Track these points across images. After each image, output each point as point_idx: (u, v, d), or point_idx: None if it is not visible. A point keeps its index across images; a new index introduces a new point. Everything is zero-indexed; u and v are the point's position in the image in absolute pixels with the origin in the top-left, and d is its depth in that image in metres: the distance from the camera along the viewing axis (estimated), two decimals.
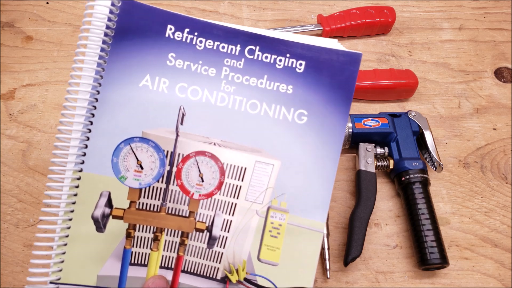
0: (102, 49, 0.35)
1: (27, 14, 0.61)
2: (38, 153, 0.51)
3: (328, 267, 0.44)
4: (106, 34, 0.35)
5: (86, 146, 0.34)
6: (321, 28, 0.58)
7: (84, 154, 0.34)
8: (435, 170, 0.49)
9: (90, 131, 0.35)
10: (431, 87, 0.57)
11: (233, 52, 0.36)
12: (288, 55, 0.36)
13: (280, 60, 0.36)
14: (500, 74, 0.58)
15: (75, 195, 0.34)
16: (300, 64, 0.36)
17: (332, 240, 0.47)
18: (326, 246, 0.45)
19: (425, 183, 0.47)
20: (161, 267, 0.35)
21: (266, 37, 0.36)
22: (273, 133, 0.35)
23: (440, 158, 0.48)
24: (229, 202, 0.35)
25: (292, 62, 0.36)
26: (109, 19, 0.35)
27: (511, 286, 0.45)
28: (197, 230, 0.35)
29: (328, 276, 0.44)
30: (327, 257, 0.44)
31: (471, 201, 0.50)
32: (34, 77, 0.56)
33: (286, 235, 0.35)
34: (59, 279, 0.33)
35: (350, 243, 0.44)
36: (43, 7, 0.62)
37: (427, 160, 0.49)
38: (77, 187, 0.34)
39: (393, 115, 0.51)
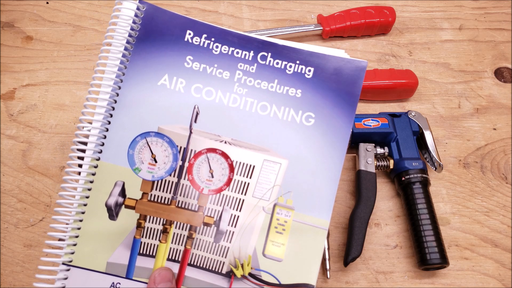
0: (126, 48, 0.37)
1: (27, 14, 0.61)
2: (38, 153, 0.51)
3: (328, 267, 0.44)
4: (130, 35, 0.38)
5: (105, 137, 0.36)
6: (321, 28, 0.58)
7: (103, 144, 0.36)
8: (435, 170, 0.49)
9: (109, 123, 0.37)
10: (431, 87, 0.57)
11: (246, 58, 0.38)
12: (298, 62, 0.38)
13: (290, 66, 0.38)
14: (500, 74, 0.58)
15: (91, 181, 0.36)
16: (309, 70, 0.38)
17: (332, 240, 0.47)
18: (326, 246, 0.45)
19: (425, 183, 0.47)
20: (168, 259, 0.36)
21: (278, 44, 0.38)
22: (282, 133, 0.37)
23: (440, 158, 0.48)
24: (237, 198, 0.37)
25: (302, 68, 0.38)
26: (134, 21, 0.38)
27: (511, 286, 0.45)
28: (205, 224, 0.36)
29: (328, 276, 0.44)
30: (327, 257, 0.44)
31: (471, 201, 0.50)
32: (34, 77, 0.56)
33: (291, 231, 0.36)
34: (71, 261, 0.35)
35: (350, 243, 0.44)
36: (43, 7, 0.62)
37: (427, 160, 0.49)
38: (93, 174, 0.36)
39: (393, 115, 0.51)
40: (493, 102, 0.56)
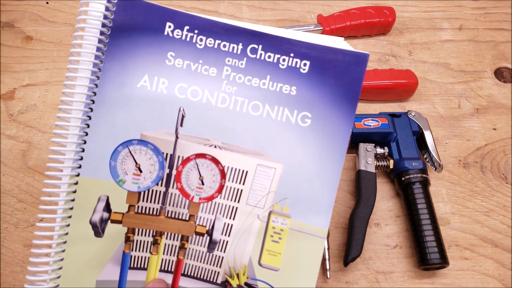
0: (98, 49, 0.34)
1: (27, 14, 0.61)
2: (38, 153, 0.51)
3: (328, 267, 0.44)
4: (102, 33, 0.34)
5: (83, 150, 0.34)
6: (321, 28, 0.58)
7: (81, 158, 0.34)
8: (435, 170, 0.49)
9: (87, 134, 0.34)
10: (431, 87, 0.57)
11: (234, 51, 0.34)
12: (292, 55, 0.34)
13: (284, 60, 0.34)
14: (500, 74, 0.58)
15: (73, 200, 0.33)
16: (305, 64, 0.34)
17: (332, 240, 0.47)
18: (326, 246, 0.45)
19: (425, 183, 0.47)
20: (161, 270, 0.34)
21: (269, 35, 0.34)
22: (276, 135, 0.34)
23: (440, 158, 0.48)
24: (230, 206, 0.35)
25: (296, 62, 0.34)
26: (105, 17, 0.34)
27: (511, 286, 0.45)
28: (197, 233, 0.34)
29: (328, 276, 0.44)
30: (327, 257, 0.44)
31: (471, 201, 0.50)
32: (34, 77, 0.56)
33: (288, 240, 0.34)
34: (57, 286, 0.33)
35: (350, 243, 0.44)
36: (43, 7, 0.62)
37: (427, 160, 0.49)
38: (74, 192, 0.33)
39: (393, 115, 0.51)
40: (493, 102, 0.56)
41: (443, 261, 0.43)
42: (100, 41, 0.33)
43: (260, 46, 0.34)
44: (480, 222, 0.49)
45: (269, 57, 0.34)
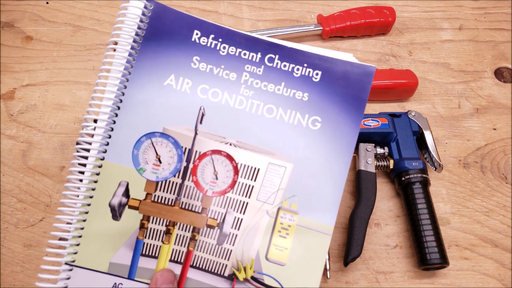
0: (132, 48, 0.37)
1: (27, 14, 0.61)
2: (38, 153, 0.51)
3: (328, 267, 0.44)
4: (137, 34, 0.37)
5: (110, 137, 0.36)
6: (321, 28, 0.58)
7: (107, 144, 0.36)
8: (435, 170, 0.49)
9: (115, 122, 0.36)
10: (431, 87, 0.57)
11: (253, 59, 0.38)
12: (305, 65, 0.38)
13: (298, 69, 0.38)
14: (500, 74, 0.58)
15: (96, 181, 0.36)
16: (317, 74, 0.38)
17: (332, 240, 0.47)
18: None
19: (425, 183, 0.47)
20: (170, 260, 0.36)
21: (286, 47, 0.38)
22: (288, 137, 0.37)
23: (440, 158, 0.48)
24: (241, 201, 0.36)
25: (309, 72, 0.38)
26: (141, 20, 0.37)
27: (511, 286, 0.45)
28: (208, 226, 0.36)
29: (328, 276, 0.44)
30: (327, 257, 0.44)
31: (471, 201, 0.50)
32: (34, 77, 0.56)
33: (295, 236, 0.36)
34: (73, 261, 0.34)
35: (350, 243, 0.44)
36: (43, 7, 0.62)
37: (427, 160, 0.49)
38: (98, 174, 0.36)
39: (393, 115, 0.51)
40: (493, 102, 0.56)
41: (443, 261, 0.43)
42: (134, 41, 0.37)
43: (277, 56, 0.38)
44: (480, 222, 0.49)
45: (285, 66, 0.38)
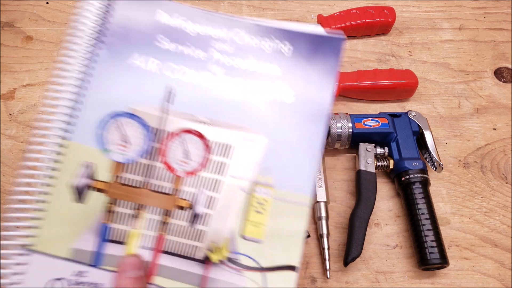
0: (95, 27, 0.37)
1: (27, 14, 0.61)
2: None
3: (328, 267, 0.44)
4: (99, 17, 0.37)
5: (73, 116, 0.35)
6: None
7: (70, 124, 0.35)
8: (435, 170, 0.49)
9: (77, 102, 0.35)
10: (431, 87, 0.57)
11: (222, 36, 0.38)
12: (275, 40, 0.38)
13: (268, 45, 0.38)
14: (500, 74, 0.58)
15: (57, 161, 0.34)
16: (287, 48, 0.37)
17: (332, 240, 0.47)
18: (326, 246, 0.45)
19: (425, 183, 0.47)
20: (140, 246, 0.34)
21: (253, 23, 0.38)
22: (261, 112, 0.36)
23: (440, 158, 0.48)
24: (214, 179, 0.35)
25: (280, 46, 0.37)
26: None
27: (511, 286, 0.45)
28: (179, 207, 0.35)
29: (328, 276, 0.44)
30: (327, 257, 0.44)
31: (471, 201, 0.50)
32: (34, 77, 0.56)
33: (271, 210, 0.35)
34: (31, 245, 0.33)
35: (350, 243, 0.44)
36: (43, 7, 0.62)
37: (427, 160, 0.49)
38: (59, 154, 0.34)
39: (393, 115, 0.51)
40: (493, 102, 0.56)
41: (443, 261, 0.43)
42: (97, 21, 0.37)
43: (245, 32, 0.38)
44: (480, 222, 0.49)
45: (254, 41, 0.38)
